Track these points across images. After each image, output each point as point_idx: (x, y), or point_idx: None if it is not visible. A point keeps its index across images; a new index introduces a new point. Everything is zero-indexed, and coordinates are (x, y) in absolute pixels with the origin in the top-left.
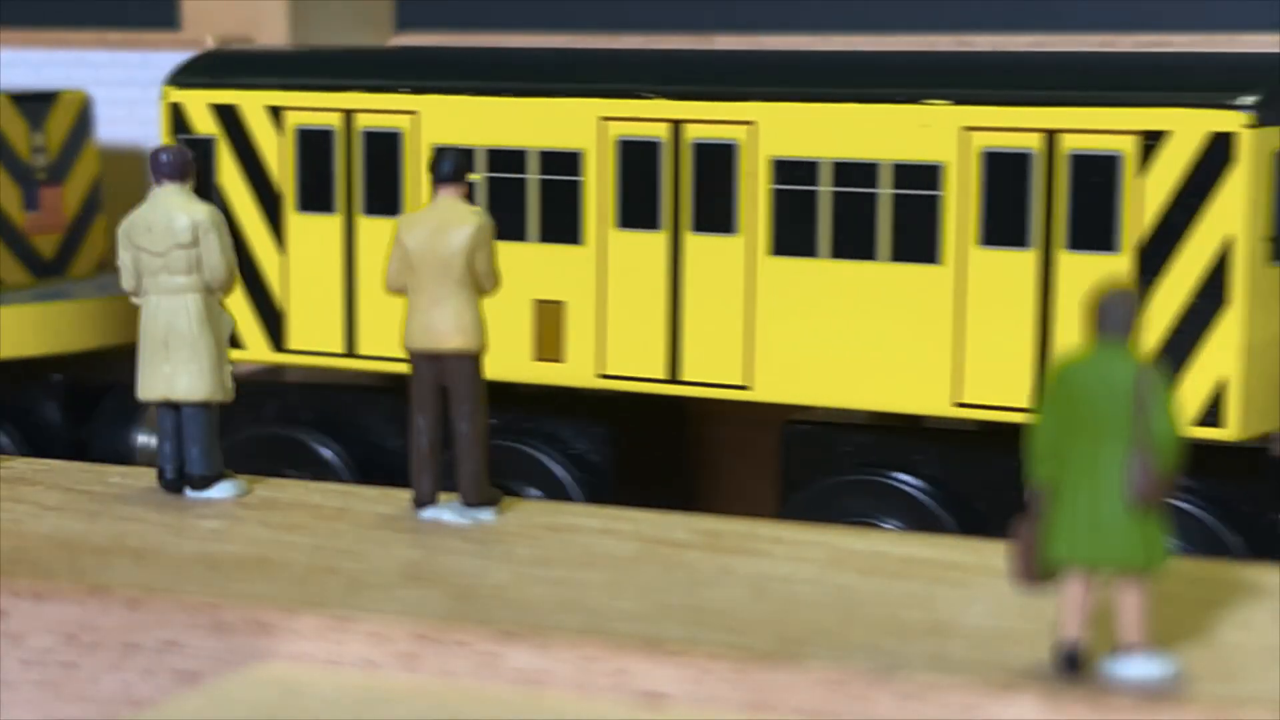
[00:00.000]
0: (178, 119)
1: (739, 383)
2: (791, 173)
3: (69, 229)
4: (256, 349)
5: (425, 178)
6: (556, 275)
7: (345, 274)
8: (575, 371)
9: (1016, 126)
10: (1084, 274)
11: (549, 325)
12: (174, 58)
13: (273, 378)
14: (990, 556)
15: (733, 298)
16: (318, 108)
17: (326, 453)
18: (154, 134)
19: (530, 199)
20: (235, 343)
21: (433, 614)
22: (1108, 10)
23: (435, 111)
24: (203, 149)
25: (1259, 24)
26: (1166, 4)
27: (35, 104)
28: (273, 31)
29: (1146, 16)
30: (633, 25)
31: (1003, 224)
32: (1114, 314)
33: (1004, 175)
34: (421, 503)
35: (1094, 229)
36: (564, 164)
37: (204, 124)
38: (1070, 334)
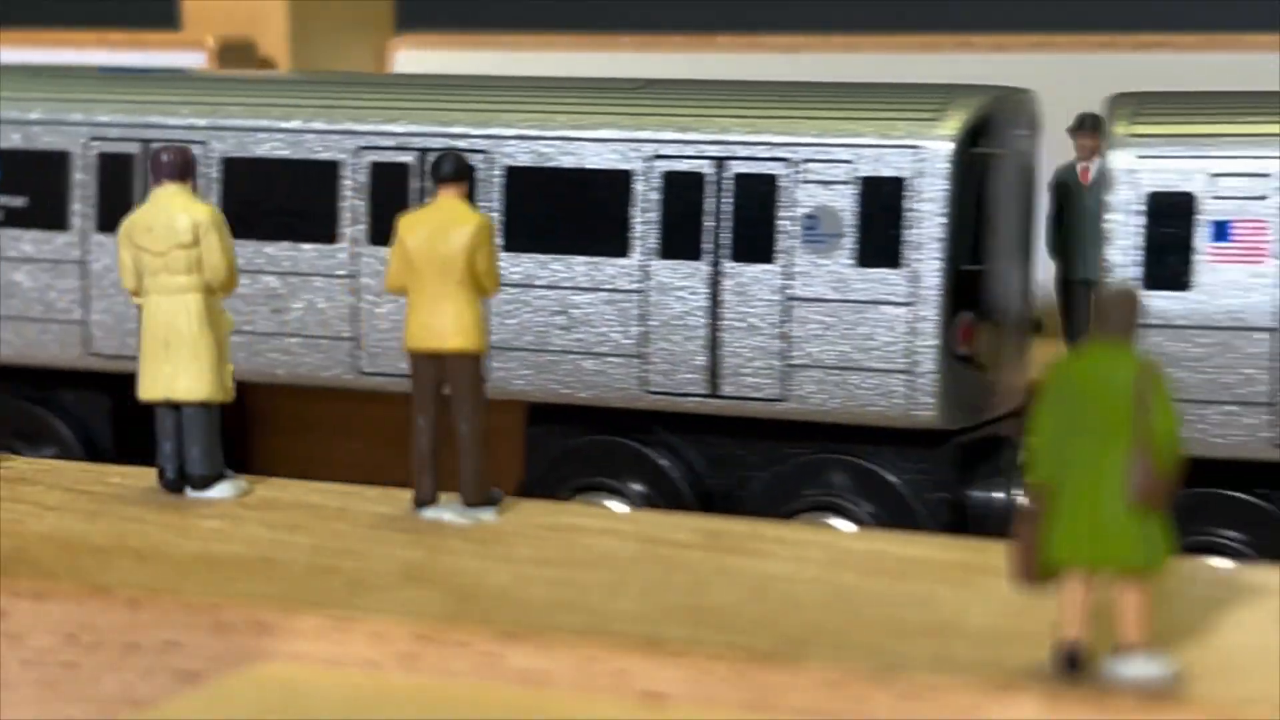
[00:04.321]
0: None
1: None
2: None
3: None
4: None
5: None
6: None
7: None
8: None
9: None
10: None
11: None
12: (174, 58)
13: None
14: (990, 556)
15: None
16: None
17: None
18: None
19: None
20: None
21: (433, 614)
22: (1108, 10)
23: None
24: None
25: (1259, 24)
26: (1167, 4)
27: None
28: (273, 31)
29: (1146, 16)
30: (633, 25)
31: None
32: (1114, 314)
33: None
34: (422, 503)
35: None
36: None
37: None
38: None
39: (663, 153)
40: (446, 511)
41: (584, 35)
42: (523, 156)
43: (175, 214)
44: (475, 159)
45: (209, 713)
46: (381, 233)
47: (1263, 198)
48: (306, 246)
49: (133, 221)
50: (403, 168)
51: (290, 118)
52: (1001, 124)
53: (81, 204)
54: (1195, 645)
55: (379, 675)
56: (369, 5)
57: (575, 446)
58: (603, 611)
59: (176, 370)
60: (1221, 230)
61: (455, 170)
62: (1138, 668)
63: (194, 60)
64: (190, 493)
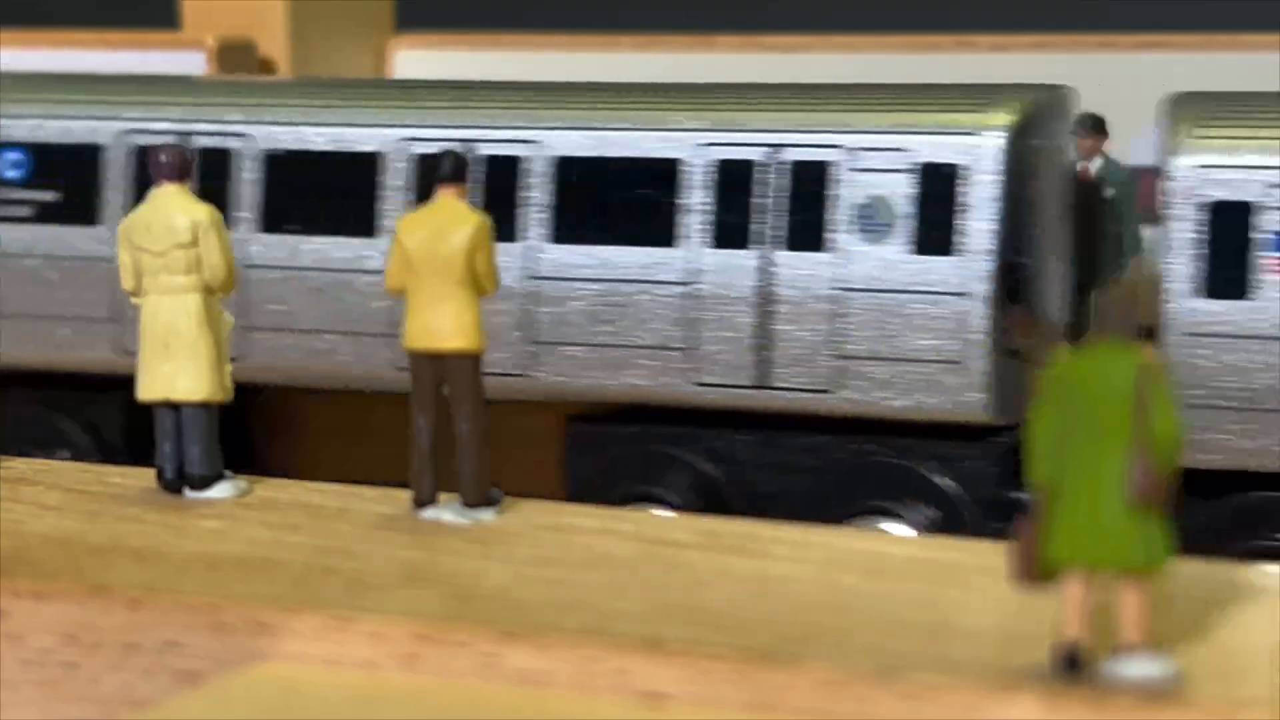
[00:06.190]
0: None
1: None
2: None
3: None
4: None
5: None
6: None
7: None
8: None
9: None
10: None
11: None
12: (174, 58)
13: None
14: (991, 557)
15: None
16: None
17: None
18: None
19: None
20: None
21: (433, 614)
22: (1108, 10)
23: None
24: None
25: (1259, 24)
26: (1166, 4)
27: None
28: (273, 32)
29: (1146, 16)
30: (633, 25)
31: None
32: (1114, 313)
33: None
34: (421, 503)
35: None
36: None
37: None
38: None
39: None
40: (446, 511)
41: (584, 35)
42: None
43: (174, 214)
44: None
45: (209, 713)
46: None
47: None
48: None
49: (131, 221)
50: None
51: None
52: (1045, 120)
53: None
54: (1195, 645)
55: (379, 675)
56: (369, 5)
57: None
58: (603, 611)
59: (176, 370)
60: None
61: (454, 170)
62: (1138, 668)
63: (194, 61)
64: (189, 493)
